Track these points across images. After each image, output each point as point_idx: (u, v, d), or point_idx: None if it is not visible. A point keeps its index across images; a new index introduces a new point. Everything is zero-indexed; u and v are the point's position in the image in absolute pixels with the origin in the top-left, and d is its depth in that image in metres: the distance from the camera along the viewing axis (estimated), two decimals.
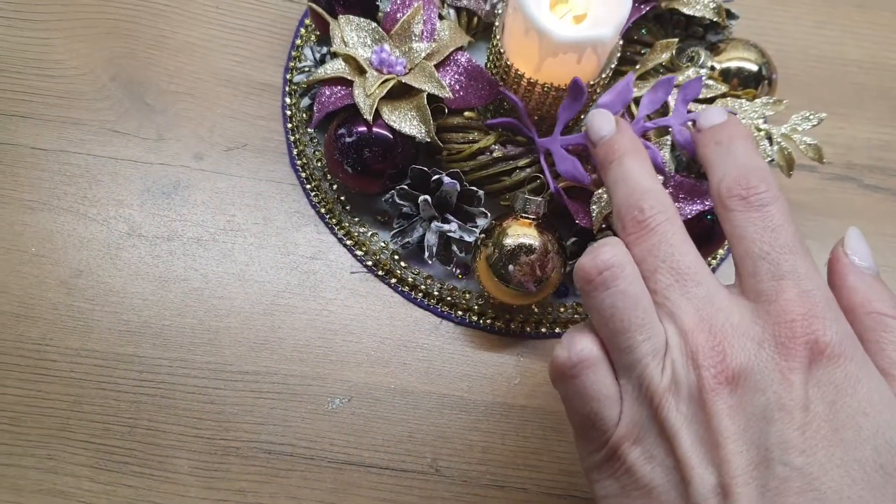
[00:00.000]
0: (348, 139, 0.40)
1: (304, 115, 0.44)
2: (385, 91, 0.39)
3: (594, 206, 0.39)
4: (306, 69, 0.44)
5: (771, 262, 0.28)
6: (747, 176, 0.29)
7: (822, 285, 0.28)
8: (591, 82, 0.39)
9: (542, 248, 0.38)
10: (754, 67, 0.43)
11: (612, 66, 0.40)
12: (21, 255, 0.40)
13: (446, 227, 0.40)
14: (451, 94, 0.40)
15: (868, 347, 0.27)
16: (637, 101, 0.42)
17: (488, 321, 0.42)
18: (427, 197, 0.39)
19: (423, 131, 0.39)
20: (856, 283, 0.29)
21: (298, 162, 0.44)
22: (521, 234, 0.38)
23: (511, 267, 0.38)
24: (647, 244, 0.29)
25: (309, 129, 0.44)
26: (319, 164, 0.43)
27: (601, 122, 0.34)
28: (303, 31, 0.47)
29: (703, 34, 0.45)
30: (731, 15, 0.44)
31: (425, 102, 0.39)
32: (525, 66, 0.39)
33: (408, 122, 0.39)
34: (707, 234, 0.39)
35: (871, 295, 0.29)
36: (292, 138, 0.44)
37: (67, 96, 0.44)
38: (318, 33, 0.46)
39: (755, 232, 0.28)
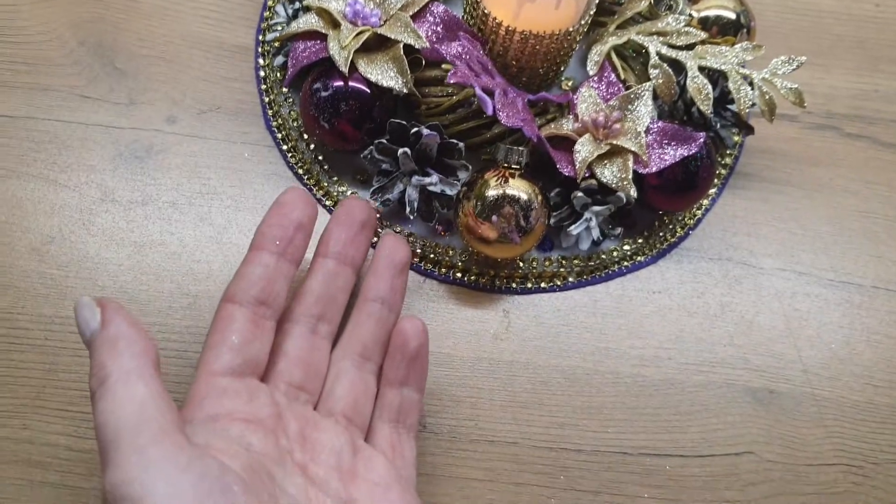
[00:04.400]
0: (324, 93, 0.39)
1: (279, 75, 0.43)
2: (360, 43, 0.39)
3: (578, 155, 0.38)
4: (279, 27, 0.43)
5: None
6: None
7: None
8: (570, 29, 0.39)
9: (525, 198, 0.38)
10: (732, 15, 0.42)
11: (591, 12, 0.39)
12: None
13: (427, 180, 0.39)
14: (427, 44, 0.39)
15: None
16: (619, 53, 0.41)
17: (472, 277, 0.41)
18: (407, 150, 0.38)
19: (401, 83, 0.38)
20: None
21: (273, 122, 0.43)
22: (504, 184, 0.38)
23: (495, 217, 0.37)
24: None
25: (284, 90, 0.43)
26: (296, 125, 0.42)
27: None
28: None
29: None
30: None
31: (402, 53, 0.39)
32: (502, 14, 0.39)
33: (385, 73, 0.39)
34: (691, 179, 0.39)
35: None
36: (266, 99, 0.43)
37: (34, 62, 0.43)
38: None
39: None
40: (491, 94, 0.37)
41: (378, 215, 0.37)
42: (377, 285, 0.36)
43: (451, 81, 0.35)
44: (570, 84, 0.44)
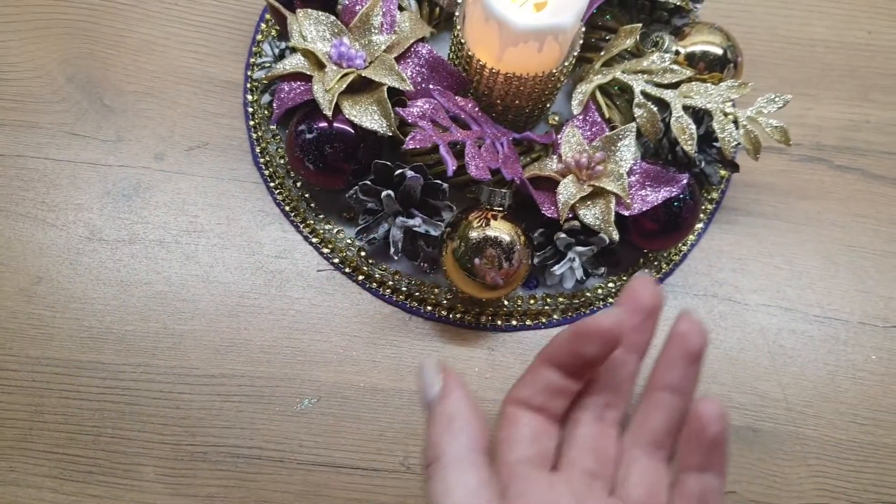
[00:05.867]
0: (308, 135, 0.39)
1: (266, 112, 0.44)
2: (345, 85, 0.39)
3: (560, 196, 0.39)
4: (266, 65, 0.44)
5: None
6: None
7: None
8: (554, 71, 0.39)
9: (507, 239, 0.38)
10: (719, 51, 0.42)
11: (575, 53, 0.39)
12: None
13: (411, 221, 0.39)
14: (412, 86, 0.39)
15: None
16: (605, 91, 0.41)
17: (458, 315, 0.41)
18: (390, 192, 0.38)
19: (385, 125, 0.39)
20: None
21: (261, 159, 0.43)
22: (486, 226, 0.38)
23: (477, 260, 0.37)
24: None
25: (271, 126, 0.43)
26: (283, 162, 0.43)
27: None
28: (263, 26, 0.46)
29: (669, 18, 0.45)
30: None
31: (385, 96, 0.39)
32: (486, 56, 0.39)
33: (369, 116, 0.39)
34: (674, 220, 0.39)
35: None
36: (255, 135, 0.44)
37: (23, 99, 0.43)
38: (278, 28, 0.46)
39: None
40: (462, 146, 0.37)
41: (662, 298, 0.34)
42: (669, 374, 0.32)
43: (409, 147, 0.36)
44: (556, 119, 0.44)
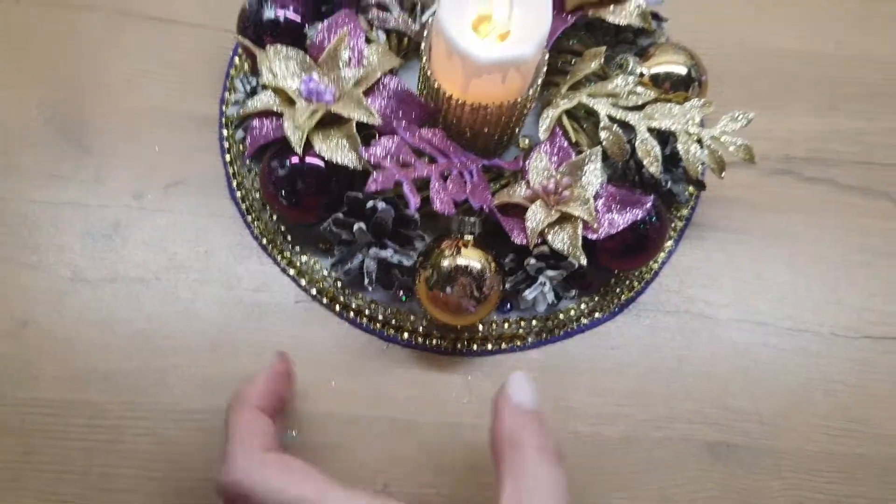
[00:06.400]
0: (281, 172, 0.40)
1: (241, 147, 0.44)
2: (314, 122, 0.39)
3: (529, 223, 0.39)
4: (238, 101, 0.44)
5: None
6: None
7: None
8: (519, 99, 0.39)
9: (478, 267, 0.39)
10: (683, 70, 0.43)
11: (540, 80, 0.40)
12: None
13: (384, 253, 0.40)
14: (380, 120, 0.40)
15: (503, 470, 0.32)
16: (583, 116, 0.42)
17: (434, 342, 0.42)
18: (362, 225, 0.39)
19: (355, 159, 0.39)
20: (507, 417, 0.33)
21: (238, 193, 0.44)
22: (457, 255, 0.39)
23: (449, 289, 0.38)
24: None
25: (247, 160, 0.44)
26: (259, 195, 0.44)
27: None
28: (237, 59, 0.47)
29: (634, 39, 0.45)
30: (658, 18, 0.44)
31: (355, 131, 0.39)
32: (452, 88, 0.39)
33: (339, 151, 0.40)
34: (641, 242, 0.40)
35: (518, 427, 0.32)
36: (231, 170, 0.44)
37: (2, 142, 0.44)
38: (250, 62, 0.46)
39: None
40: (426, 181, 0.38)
41: None
42: None
43: (371, 191, 0.37)
44: (527, 142, 0.45)
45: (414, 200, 0.37)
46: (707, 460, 0.40)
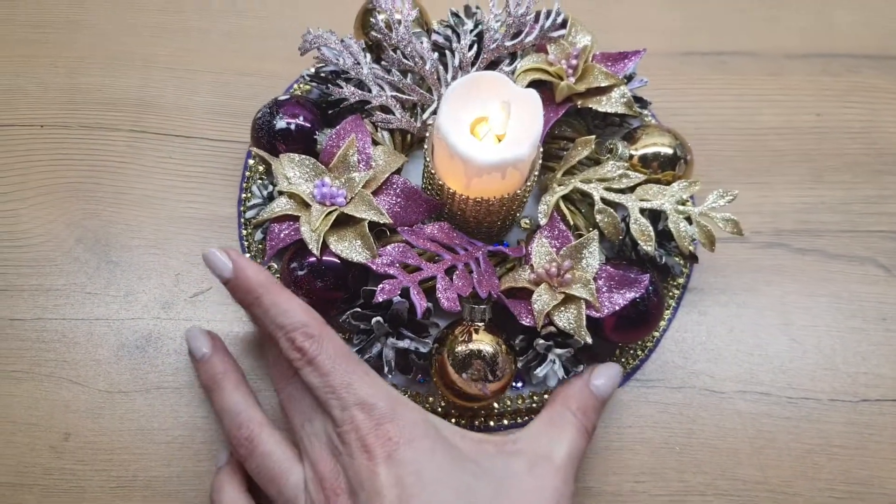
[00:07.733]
0: (300, 272, 0.42)
1: (261, 246, 0.47)
2: (329, 224, 0.42)
3: (535, 305, 0.42)
4: (256, 205, 0.47)
5: (336, 398, 0.37)
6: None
7: (378, 392, 0.38)
8: (518, 192, 0.42)
9: (490, 350, 0.41)
10: (670, 150, 0.46)
11: (536, 173, 0.43)
12: (12, 426, 0.43)
13: (401, 343, 0.42)
14: (389, 219, 0.43)
15: (542, 414, 0.41)
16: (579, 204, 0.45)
17: (454, 421, 0.44)
18: (379, 318, 0.42)
19: (368, 257, 0.42)
20: (577, 384, 0.42)
21: None
22: (469, 341, 0.41)
23: (464, 374, 0.40)
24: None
25: (267, 261, 0.47)
26: None
27: (197, 343, 0.43)
28: (251, 162, 0.50)
29: (621, 122, 0.48)
30: (642, 102, 0.47)
31: (367, 230, 0.42)
32: (455, 185, 0.42)
33: (353, 249, 0.42)
34: (642, 317, 0.42)
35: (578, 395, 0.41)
36: None
37: (38, 264, 0.47)
38: (262, 167, 0.49)
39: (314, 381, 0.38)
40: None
41: None
42: None
43: (380, 300, 0.40)
44: (528, 223, 0.47)
45: (421, 306, 0.39)
46: None
